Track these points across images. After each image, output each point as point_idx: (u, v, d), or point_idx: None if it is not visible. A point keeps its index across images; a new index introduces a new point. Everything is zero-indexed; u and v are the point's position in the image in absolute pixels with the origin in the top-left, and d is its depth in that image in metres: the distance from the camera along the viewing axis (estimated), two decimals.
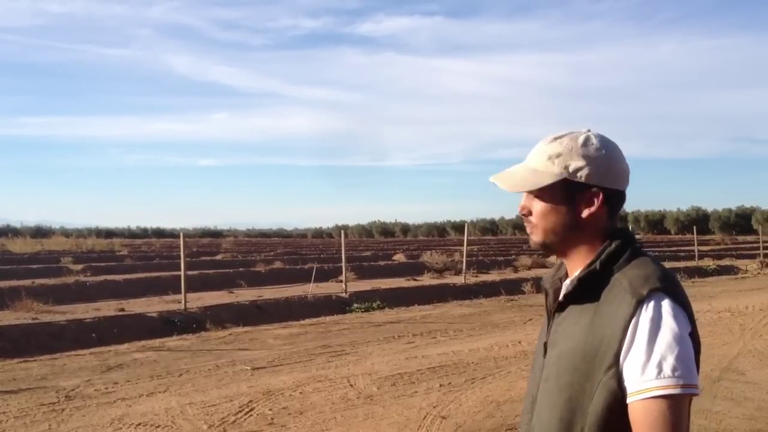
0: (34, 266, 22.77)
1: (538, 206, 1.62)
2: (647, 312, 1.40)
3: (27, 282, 17.17)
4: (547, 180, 1.59)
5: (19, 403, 6.80)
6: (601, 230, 1.58)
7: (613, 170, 1.56)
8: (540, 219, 1.62)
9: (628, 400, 1.38)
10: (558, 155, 1.58)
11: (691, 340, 1.41)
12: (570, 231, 1.59)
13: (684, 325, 1.41)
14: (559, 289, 1.66)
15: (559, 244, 1.62)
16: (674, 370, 1.35)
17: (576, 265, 1.60)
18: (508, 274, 22.68)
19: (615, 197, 1.57)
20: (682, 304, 1.43)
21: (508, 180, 1.66)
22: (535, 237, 1.64)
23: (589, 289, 1.52)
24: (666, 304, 1.41)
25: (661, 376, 1.35)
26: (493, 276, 22.06)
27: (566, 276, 1.66)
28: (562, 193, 1.58)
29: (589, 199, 1.56)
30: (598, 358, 1.43)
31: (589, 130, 1.61)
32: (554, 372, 1.54)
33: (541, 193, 1.61)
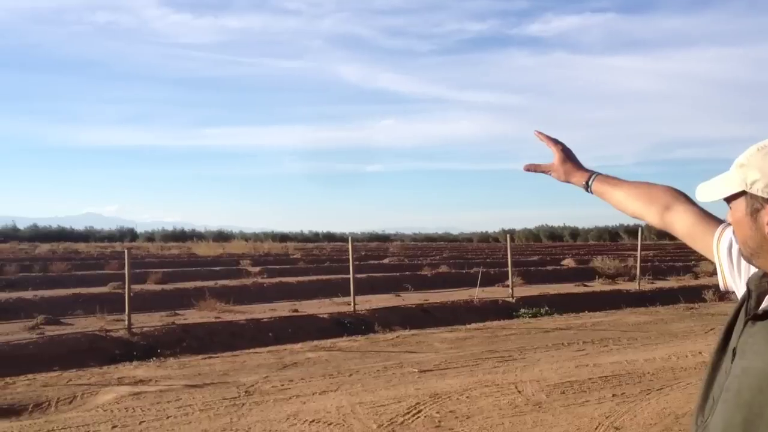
0: (217, 268, 24.18)
1: (732, 217, 1.49)
2: None
3: (210, 283, 18.26)
4: (726, 191, 1.47)
5: (203, 396, 7.26)
6: None
7: None
8: (735, 230, 1.50)
9: None
10: (742, 165, 1.44)
11: None
12: (760, 247, 1.43)
13: None
14: (763, 294, 1.46)
15: (755, 258, 1.47)
16: None
17: None
18: (687, 281, 21.50)
19: None
20: None
21: (704, 187, 1.54)
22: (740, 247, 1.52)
23: None
24: None
25: None
26: (671, 282, 21.06)
27: None
28: (746, 205, 1.43)
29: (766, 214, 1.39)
30: None
31: None
32: (735, 385, 1.40)
33: (732, 204, 1.48)
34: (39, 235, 64.33)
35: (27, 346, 9.92)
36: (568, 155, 1.97)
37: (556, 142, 1.99)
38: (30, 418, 6.68)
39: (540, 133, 2.02)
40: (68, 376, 8.33)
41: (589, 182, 1.91)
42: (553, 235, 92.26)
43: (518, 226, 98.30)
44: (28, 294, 15.70)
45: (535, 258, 32.53)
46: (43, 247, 41.87)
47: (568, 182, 1.96)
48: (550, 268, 26.21)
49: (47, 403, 7.13)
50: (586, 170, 1.95)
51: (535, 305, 15.13)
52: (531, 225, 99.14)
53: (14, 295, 15.51)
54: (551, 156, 2.01)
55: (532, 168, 2.01)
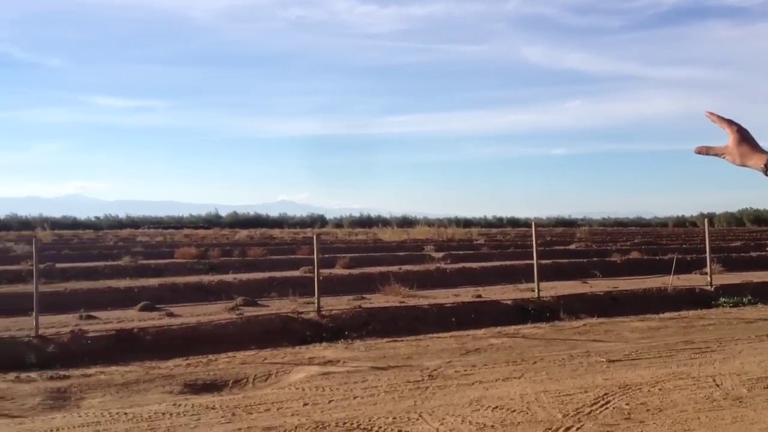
0: (401, 254, 24.69)
1: None
2: None
3: (395, 268, 18.68)
4: None
5: (388, 378, 7.43)
6: None
7: None
8: None
9: None
10: None
11: None
12: None
13: None
14: None
15: None
16: None
17: None
18: None
19: None
20: None
21: None
22: None
23: None
24: None
25: None
26: None
27: None
28: None
29: None
30: None
31: None
32: None
33: None
34: (238, 221, 69.02)
35: (227, 326, 10.65)
36: (744, 136, 1.79)
37: (730, 122, 1.82)
38: (230, 393, 7.17)
39: (712, 114, 1.85)
40: (264, 354, 8.85)
41: None
42: (759, 218, 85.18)
43: (718, 210, 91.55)
44: (229, 277, 16.89)
45: (737, 244, 30.53)
46: (242, 233, 44.87)
47: (744, 165, 1.79)
48: (754, 254, 24.41)
49: (245, 379, 7.63)
50: (765, 152, 1.76)
51: (737, 294, 14.13)
52: (733, 208, 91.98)
53: (216, 278, 16.76)
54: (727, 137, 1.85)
55: (704, 150, 1.85)
